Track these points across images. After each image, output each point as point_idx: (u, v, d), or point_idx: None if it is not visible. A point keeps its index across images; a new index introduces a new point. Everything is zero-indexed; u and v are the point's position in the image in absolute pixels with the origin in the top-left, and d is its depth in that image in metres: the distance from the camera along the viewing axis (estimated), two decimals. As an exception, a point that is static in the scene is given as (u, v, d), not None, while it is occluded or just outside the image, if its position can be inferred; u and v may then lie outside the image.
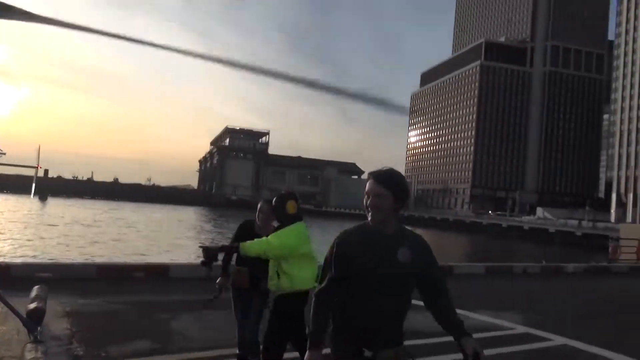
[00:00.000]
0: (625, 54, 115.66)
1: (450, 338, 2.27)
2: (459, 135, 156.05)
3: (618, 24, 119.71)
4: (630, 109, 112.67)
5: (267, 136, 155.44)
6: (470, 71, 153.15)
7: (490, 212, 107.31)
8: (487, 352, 2.19)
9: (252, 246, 3.59)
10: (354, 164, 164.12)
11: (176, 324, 5.90)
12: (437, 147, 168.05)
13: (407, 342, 2.30)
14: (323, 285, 2.26)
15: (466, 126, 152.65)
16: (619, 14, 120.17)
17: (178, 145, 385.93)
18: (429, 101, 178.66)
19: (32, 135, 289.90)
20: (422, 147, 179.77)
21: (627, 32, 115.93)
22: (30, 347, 4.28)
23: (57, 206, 68.37)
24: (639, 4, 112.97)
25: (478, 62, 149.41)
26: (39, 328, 4.59)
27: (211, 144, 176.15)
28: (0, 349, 4.54)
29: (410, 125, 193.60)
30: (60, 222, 41.59)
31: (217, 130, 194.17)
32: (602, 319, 8.44)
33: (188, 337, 5.37)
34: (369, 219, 2.24)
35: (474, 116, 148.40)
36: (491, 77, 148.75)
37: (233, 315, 4.51)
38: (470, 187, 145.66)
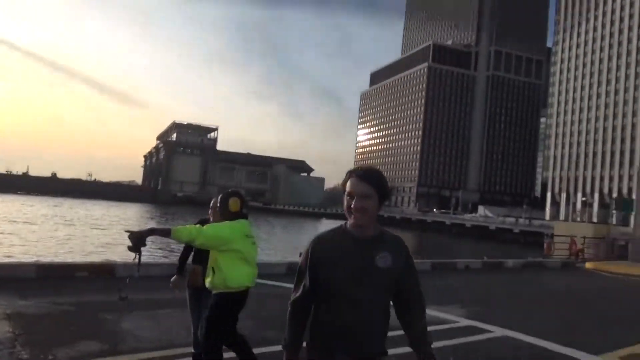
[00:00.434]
0: (562, 61, 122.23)
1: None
2: (406, 135, 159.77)
3: (556, 33, 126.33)
4: (565, 113, 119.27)
5: (216, 132, 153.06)
6: (418, 72, 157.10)
7: (435, 210, 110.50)
8: (433, 345, 2.20)
9: (184, 231, 3.46)
10: (303, 162, 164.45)
11: (126, 324, 5.78)
12: (385, 146, 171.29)
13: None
14: (298, 294, 2.10)
15: (413, 126, 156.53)
16: (556, 23, 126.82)
17: (122, 140, 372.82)
18: (378, 101, 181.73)
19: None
20: (371, 145, 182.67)
21: (563, 40, 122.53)
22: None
23: (-12, 202, 64.39)
24: (575, 15, 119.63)
25: (426, 64, 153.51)
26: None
27: (157, 138, 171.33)
28: None
29: (359, 124, 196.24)
30: (-8, 219, 39.25)
31: (164, 124, 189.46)
32: (538, 311, 8.96)
33: (139, 337, 5.28)
34: (352, 222, 2.05)
35: (421, 117, 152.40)
36: (438, 79, 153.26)
37: (185, 314, 4.49)
38: (417, 185, 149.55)
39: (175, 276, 4.43)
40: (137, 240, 3.26)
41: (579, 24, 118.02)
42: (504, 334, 6.68)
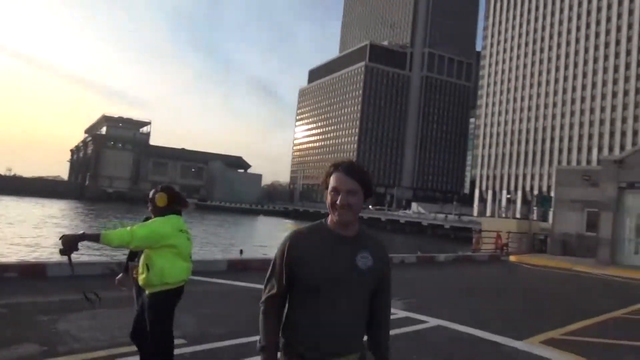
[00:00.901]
0: (490, 65, 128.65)
1: None
2: (343, 133, 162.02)
3: (484, 37, 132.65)
4: (492, 114, 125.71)
5: (149, 126, 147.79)
6: (355, 71, 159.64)
7: (370, 206, 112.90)
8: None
9: (114, 235, 3.37)
10: (240, 158, 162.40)
11: (63, 325, 5.60)
12: (323, 143, 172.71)
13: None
14: (272, 292, 1.97)
15: (350, 124, 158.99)
16: (485, 28, 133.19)
17: (46, 133, 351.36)
18: (316, 98, 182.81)
19: None
20: (308, 142, 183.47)
21: (492, 45, 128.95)
22: None
23: None
24: (502, 21, 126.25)
25: (363, 64, 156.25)
26: None
27: (85, 132, 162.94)
28: None
29: (297, 120, 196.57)
30: None
31: (93, 117, 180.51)
32: (468, 302, 9.54)
33: (78, 338, 5.14)
34: (336, 219, 1.93)
35: (358, 115, 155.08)
36: (374, 78, 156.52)
37: (122, 312, 4.44)
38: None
39: (121, 274, 4.38)
40: (69, 244, 3.20)
41: (506, 29, 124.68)
42: (438, 324, 7.09)
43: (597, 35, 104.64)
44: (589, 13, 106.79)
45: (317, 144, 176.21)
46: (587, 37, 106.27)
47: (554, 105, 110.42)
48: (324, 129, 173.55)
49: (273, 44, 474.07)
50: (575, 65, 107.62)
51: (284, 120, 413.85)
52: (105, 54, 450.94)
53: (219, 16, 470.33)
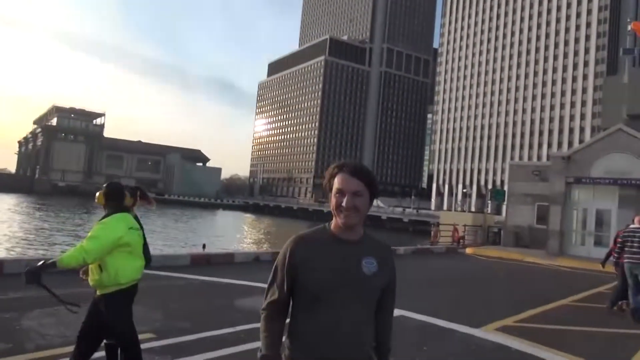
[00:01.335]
0: (447, 62, 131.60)
1: None
2: (303, 127, 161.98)
3: (442, 35, 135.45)
4: (449, 110, 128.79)
5: (103, 117, 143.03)
6: (315, 65, 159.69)
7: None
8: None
9: (69, 258, 3.35)
10: (198, 151, 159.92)
11: (27, 322, 5.50)
12: (282, 137, 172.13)
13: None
14: (273, 297, 1.90)
15: (310, 118, 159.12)
16: (442, 26, 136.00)
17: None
18: (276, 91, 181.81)
19: None
20: (268, 136, 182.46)
21: (448, 42, 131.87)
22: None
23: None
24: (459, 20, 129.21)
25: (323, 58, 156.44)
26: None
27: (34, 122, 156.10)
28: None
29: (257, 114, 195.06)
30: None
31: (42, 107, 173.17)
32: (427, 292, 9.89)
33: (44, 335, 5.08)
34: (341, 222, 1.84)
35: (318, 109, 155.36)
36: (334, 72, 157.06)
37: (86, 309, 4.42)
38: (313, 176, 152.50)
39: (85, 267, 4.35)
40: (32, 277, 3.19)
41: (463, 27, 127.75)
42: (399, 314, 7.35)
43: (547, 35, 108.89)
44: (540, 14, 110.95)
45: (277, 138, 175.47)
46: (538, 37, 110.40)
47: (507, 102, 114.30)
48: (284, 123, 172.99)
49: (232, 36, 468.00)
50: (527, 64, 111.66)
51: (244, 114, 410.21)
52: (54, 44, 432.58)
53: (176, 6, 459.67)
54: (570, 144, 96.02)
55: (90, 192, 5.28)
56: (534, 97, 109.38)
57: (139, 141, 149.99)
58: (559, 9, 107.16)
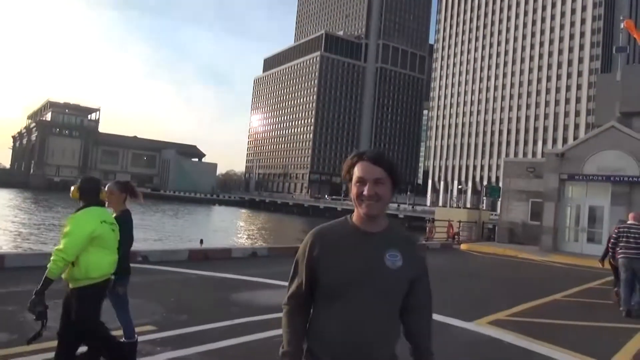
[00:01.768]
0: (442, 58, 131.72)
1: None
2: (299, 123, 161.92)
3: (437, 31, 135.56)
4: (445, 106, 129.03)
5: (98, 113, 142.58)
6: (311, 61, 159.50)
7: (326, 196, 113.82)
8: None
9: (54, 265, 3.38)
10: (194, 146, 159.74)
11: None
12: (278, 132, 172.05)
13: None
14: (292, 291, 1.84)
15: (306, 114, 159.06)
16: (438, 22, 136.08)
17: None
18: (271, 87, 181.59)
19: None
20: (264, 132, 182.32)
21: (444, 38, 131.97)
22: None
23: None
24: (454, 16, 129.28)
25: (318, 53, 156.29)
26: None
27: (29, 117, 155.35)
28: None
29: (252, 109, 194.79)
30: None
31: (36, 102, 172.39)
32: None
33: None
34: (363, 211, 1.75)
35: (314, 105, 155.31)
36: (330, 68, 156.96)
37: None
38: (309, 172, 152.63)
39: None
40: (38, 304, 3.31)
41: (458, 24, 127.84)
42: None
43: (542, 32, 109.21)
44: (535, 11, 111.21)
45: (273, 134, 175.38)
46: (533, 34, 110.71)
47: (503, 99, 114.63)
48: (280, 119, 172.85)
49: (227, 30, 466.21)
50: (522, 60, 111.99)
51: (239, 109, 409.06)
52: (49, 38, 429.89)
53: (170, 1, 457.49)
54: (565, 140, 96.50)
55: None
56: (529, 94, 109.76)
57: (135, 136, 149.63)
58: (553, 5, 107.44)
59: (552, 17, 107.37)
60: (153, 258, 10.49)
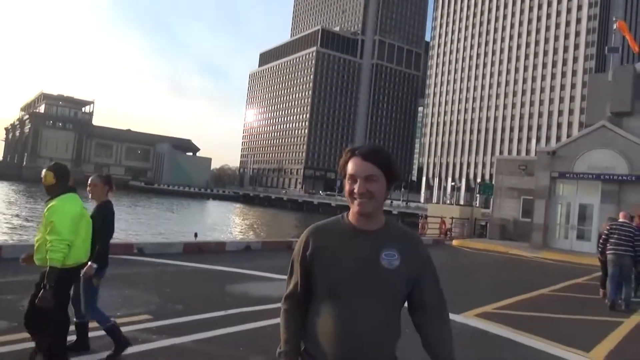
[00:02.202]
0: (438, 55, 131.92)
1: None
2: (294, 118, 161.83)
3: (433, 28, 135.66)
4: (440, 104, 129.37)
5: (92, 105, 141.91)
6: (307, 56, 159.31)
7: (320, 192, 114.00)
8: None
9: (58, 255, 3.48)
10: (189, 140, 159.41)
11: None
12: (273, 127, 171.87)
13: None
14: (289, 290, 1.81)
15: (301, 109, 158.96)
16: (434, 19, 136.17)
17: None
18: (267, 82, 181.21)
19: None
20: (259, 127, 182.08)
21: (440, 35, 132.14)
22: None
23: None
24: (450, 13, 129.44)
25: (314, 49, 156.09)
26: None
27: (22, 109, 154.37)
28: None
29: (248, 104, 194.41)
30: None
31: (29, 94, 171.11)
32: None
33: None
34: (355, 210, 1.70)
35: (309, 100, 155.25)
36: (326, 64, 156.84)
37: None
38: (304, 168, 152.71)
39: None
40: (51, 298, 3.42)
41: (454, 21, 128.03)
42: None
43: (537, 31, 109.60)
44: (531, 9, 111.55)
45: (268, 129, 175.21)
46: (529, 33, 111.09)
47: (498, 96, 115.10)
48: (275, 114, 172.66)
49: (224, 24, 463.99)
50: (518, 59, 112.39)
51: (234, 104, 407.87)
52: (43, 29, 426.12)
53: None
54: (558, 138, 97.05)
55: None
56: (523, 92, 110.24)
57: (129, 130, 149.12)
58: (549, 4, 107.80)
59: (548, 16, 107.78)
60: (148, 250, 10.62)
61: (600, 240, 9.26)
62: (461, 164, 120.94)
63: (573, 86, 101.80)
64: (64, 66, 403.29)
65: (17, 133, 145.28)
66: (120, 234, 25.36)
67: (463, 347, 5.34)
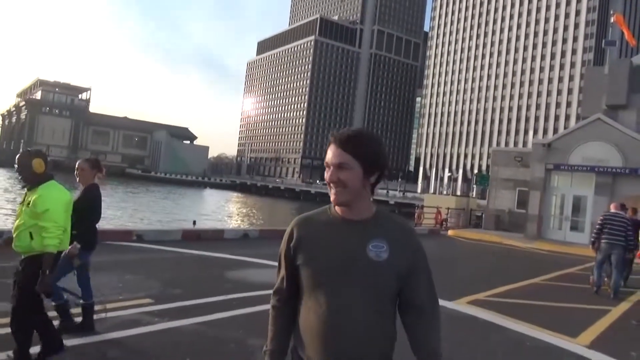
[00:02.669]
0: (437, 46, 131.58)
1: None
2: (292, 107, 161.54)
3: (432, 18, 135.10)
4: (438, 94, 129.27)
5: (89, 92, 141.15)
6: (305, 45, 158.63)
7: (318, 181, 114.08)
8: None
9: (54, 242, 3.53)
10: (186, 129, 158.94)
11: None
12: (271, 116, 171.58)
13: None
14: (277, 286, 1.73)
15: (299, 98, 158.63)
16: (433, 9, 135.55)
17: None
18: (264, 70, 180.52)
19: None
20: (256, 115, 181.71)
21: (439, 26, 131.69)
22: None
23: None
24: (449, 4, 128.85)
25: (312, 38, 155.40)
26: None
27: (18, 95, 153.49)
28: None
29: (245, 92, 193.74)
30: None
31: (25, 80, 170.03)
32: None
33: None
34: (331, 200, 1.63)
35: (307, 89, 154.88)
36: (324, 53, 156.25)
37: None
38: (301, 157, 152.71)
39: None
40: (49, 283, 3.50)
41: (453, 12, 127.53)
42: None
43: (537, 22, 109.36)
44: (530, 1, 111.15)
45: (265, 118, 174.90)
46: (527, 24, 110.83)
47: (496, 88, 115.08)
48: (272, 103, 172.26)
49: (222, 12, 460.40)
50: (516, 50, 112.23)
51: (232, 93, 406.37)
52: (40, 15, 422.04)
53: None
54: (555, 130, 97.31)
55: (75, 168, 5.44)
56: (521, 84, 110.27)
57: (125, 117, 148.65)
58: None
59: (547, 8, 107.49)
60: (147, 237, 10.78)
61: (594, 231, 9.52)
62: (458, 155, 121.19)
63: (571, 78, 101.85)
64: (60, 53, 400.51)
65: (14, 119, 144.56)
66: (119, 221, 25.49)
67: (453, 331, 5.54)
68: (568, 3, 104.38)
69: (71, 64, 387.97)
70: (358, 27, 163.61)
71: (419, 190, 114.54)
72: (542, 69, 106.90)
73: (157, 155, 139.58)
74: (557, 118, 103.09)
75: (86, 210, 4.40)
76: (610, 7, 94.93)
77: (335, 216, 1.65)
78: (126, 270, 7.44)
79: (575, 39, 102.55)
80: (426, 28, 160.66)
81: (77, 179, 4.63)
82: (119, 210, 32.62)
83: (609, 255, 9.02)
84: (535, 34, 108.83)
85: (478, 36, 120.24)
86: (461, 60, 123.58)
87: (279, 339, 1.70)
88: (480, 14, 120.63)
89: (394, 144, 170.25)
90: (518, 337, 5.74)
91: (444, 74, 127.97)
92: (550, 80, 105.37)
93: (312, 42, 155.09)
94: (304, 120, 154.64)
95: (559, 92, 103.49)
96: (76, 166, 4.65)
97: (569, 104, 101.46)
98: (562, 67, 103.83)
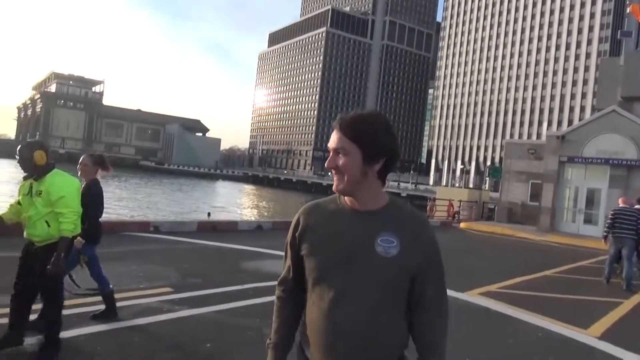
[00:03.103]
0: (450, 37, 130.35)
1: None
2: (304, 99, 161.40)
3: (445, 9, 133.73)
4: (450, 86, 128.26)
5: (102, 85, 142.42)
6: (317, 37, 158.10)
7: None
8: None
9: (72, 226, 3.65)
10: (198, 121, 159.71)
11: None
12: (282, 108, 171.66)
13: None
14: (283, 276, 1.66)
15: (311, 90, 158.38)
16: (445, 0, 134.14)
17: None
18: (276, 62, 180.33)
19: None
20: (268, 107, 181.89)
21: (452, 16, 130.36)
22: None
23: None
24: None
25: (324, 29, 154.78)
26: None
27: (33, 89, 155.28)
28: None
29: (257, 84, 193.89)
30: None
31: (40, 73, 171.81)
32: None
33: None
34: (333, 188, 1.52)
35: (319, 81, 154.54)
36: (336, 44, 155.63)
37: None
38: (313, 149, 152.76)
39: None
40: (63, 265, 3.62)
41: (466, 2, 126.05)
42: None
43: (551, 12, 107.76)
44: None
45: (277, 110, 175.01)
46: (542, 14, 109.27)
47: (509, 79, 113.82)
48: (284, 95, 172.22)
49: (233, 4, 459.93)
50: (530, 40, 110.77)
51: (244, 85, 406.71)
52: (54, 9, 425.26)
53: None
54: (570, 122, 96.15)
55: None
56: (535, 75, 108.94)
57: (139, 110, 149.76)
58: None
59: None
60: (164, 228, 11.01)
61: (606, 226, 9.62)
62: (471, 147, 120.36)
63: (586, 69, 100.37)
64: (74, 46, 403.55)
65: (29, 112, 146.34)
66: (135, 212, 25.87)
67: (465, 322, 5.65)
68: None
69: (85, 57, 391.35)
70: (370, 18, 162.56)
71: (431, 182, 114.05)
72: (556, 60, 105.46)
73: (170, 147, 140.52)
74: (571, 109, 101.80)
75: (89, 206, 4.44)
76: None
77: (344, 206, 1.53)
78: (144, 260, 7.65)
79: (590, 29, 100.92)
80: (439, 18, 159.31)
81: (79, 173, 4.73)
82: (133, 202, 33.07)
83: (620, 249, 9.20)
84: (550, 24, 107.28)
85: (491, 26, 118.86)
86: (474, 51, 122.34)
87: (282, 331, 1.63)
88: (493, 4, 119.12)
89: (406, 136, 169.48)
90: (529, 328, 5.83)
91: (457, 65, 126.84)
92: (565, 71, 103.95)
93: (324, 34, 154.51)
94: (315, 112, 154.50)
95: (574, 83, 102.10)
96: (80, 161, 4.77)
97: (584, 95, 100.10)
98: (577, 57, 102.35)
